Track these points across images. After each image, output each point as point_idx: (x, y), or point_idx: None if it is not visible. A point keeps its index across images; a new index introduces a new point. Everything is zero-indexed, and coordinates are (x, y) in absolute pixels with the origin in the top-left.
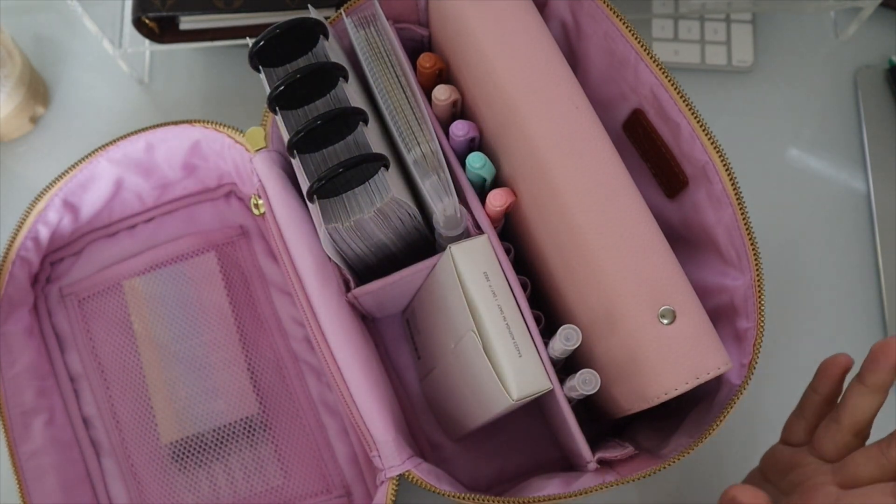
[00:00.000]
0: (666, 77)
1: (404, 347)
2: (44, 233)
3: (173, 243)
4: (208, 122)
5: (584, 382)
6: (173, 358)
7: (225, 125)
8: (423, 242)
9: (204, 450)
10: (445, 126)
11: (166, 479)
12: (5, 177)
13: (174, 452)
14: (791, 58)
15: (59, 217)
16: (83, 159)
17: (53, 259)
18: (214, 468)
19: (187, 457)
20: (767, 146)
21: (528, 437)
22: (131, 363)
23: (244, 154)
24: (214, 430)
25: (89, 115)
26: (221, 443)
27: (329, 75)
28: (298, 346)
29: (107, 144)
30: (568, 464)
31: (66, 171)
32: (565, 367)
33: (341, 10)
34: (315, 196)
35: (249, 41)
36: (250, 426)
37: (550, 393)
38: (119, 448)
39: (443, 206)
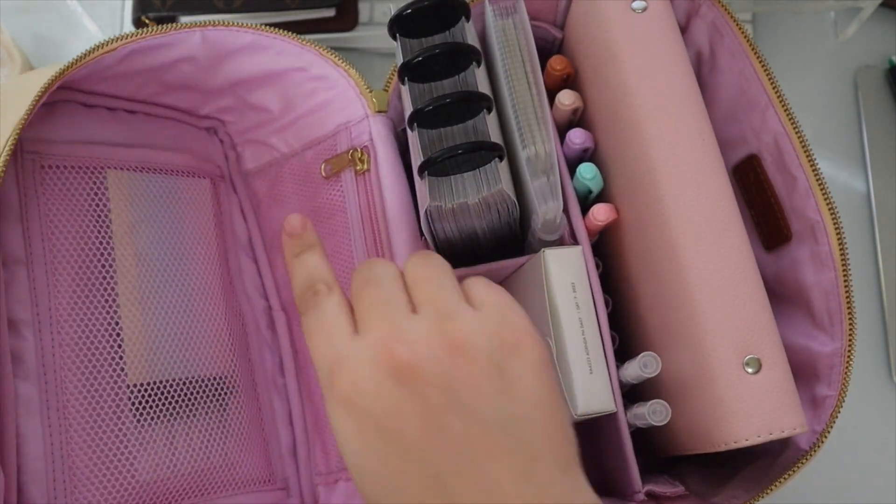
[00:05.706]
0: (794, 127)
1: None
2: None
3: (170, 153)
4: (342, 61)
5: (654, 413)
6: (153, 272)
7: (360, 75)
8: (509, 239)
9: (169, 401)
10: (560, 132)
11: (115, 426)
12: None
13: (136, 396)
14: (791, 58)
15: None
16: (182, 26)
17: None
18: (175, 426)
19: (149, 406)
20: None
21: None
22: (100, 267)
23: (349, 110)
24: (183, 381)
25: None
26: (189, 398)
27: (464, 57)
28: (260, 317)
29: (217, 23)
30: (601, 489)
31: (153, 33)
32: (628, 394)
33: None
34: (426, 172)
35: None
36: (222, 386)
37: (612, 415)
38: (51, 371)
39: (546, 209)
